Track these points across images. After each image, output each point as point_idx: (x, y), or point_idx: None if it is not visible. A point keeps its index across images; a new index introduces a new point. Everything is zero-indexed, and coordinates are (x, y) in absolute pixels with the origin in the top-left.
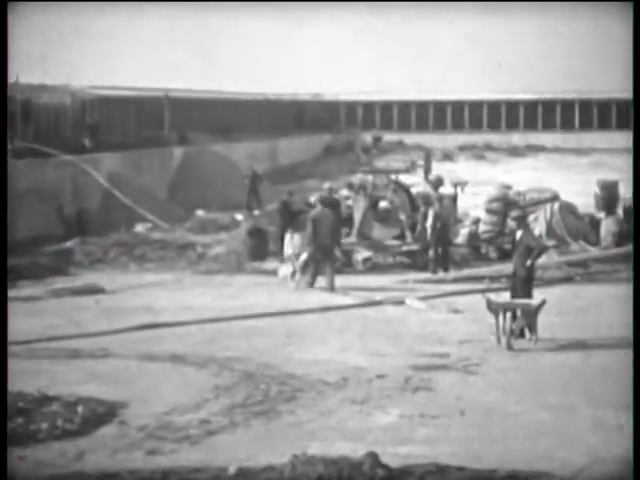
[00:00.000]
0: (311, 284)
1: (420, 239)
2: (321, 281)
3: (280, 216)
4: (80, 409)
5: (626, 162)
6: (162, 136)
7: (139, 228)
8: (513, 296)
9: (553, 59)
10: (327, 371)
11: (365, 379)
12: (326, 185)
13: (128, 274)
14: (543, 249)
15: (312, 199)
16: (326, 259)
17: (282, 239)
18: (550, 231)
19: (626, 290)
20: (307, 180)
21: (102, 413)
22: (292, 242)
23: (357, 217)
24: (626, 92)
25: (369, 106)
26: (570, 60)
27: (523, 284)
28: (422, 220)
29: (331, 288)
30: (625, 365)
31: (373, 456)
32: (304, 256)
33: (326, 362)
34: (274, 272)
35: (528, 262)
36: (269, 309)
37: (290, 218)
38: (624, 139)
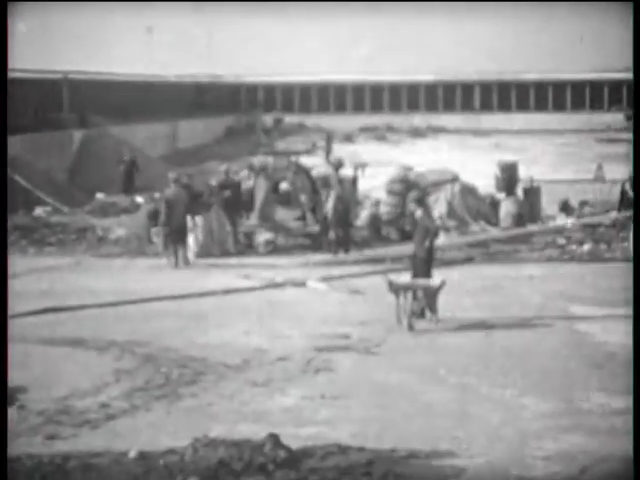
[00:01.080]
0: (175, 264)
1: (321, 221)
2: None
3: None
4: None
5: (525, 143)
6: (61, 119)
7: (38, 212)
8: (414, 277)
9: (456, 41)
10: (228, 354)
11: (267, 361)
12: (223, 167)
13: (28, 258)
14: (438, 230)
15: (213, 181)
16: (179, 239)
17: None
18: (451, 212)
19: (526, 269)
20: (208, 162)
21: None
22: (193, 224)
23: (258, 199)
24: (529, 73)
25: (270, 88)
26: (466, 42)
27: (423, 265)
28: (323, 202)
29: (181, 264)
30: (524, 344)
31: (274, 438)
32: (161, 237)
33: (227, 345)
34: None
35: (426, 243)
36: (170, 292)
37: (190, 201)
38: (524, 121)
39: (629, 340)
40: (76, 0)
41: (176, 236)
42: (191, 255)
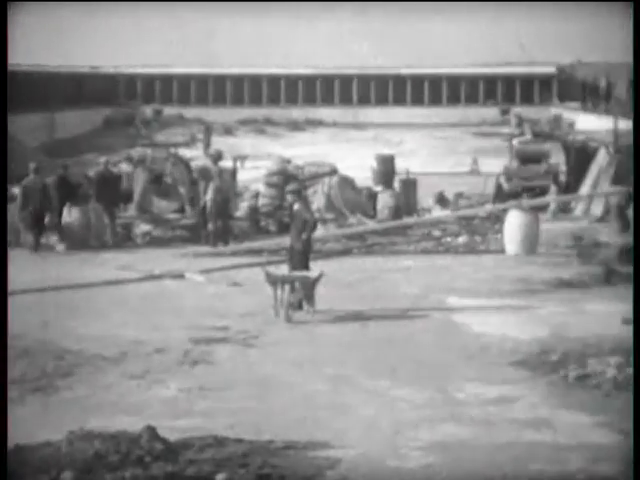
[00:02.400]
0: (33, 249)
1: (200, 213)
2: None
3: (57, 190)
4: None
5: (402, 137)
6: None
7: None
8: (291, 269)
9: (336, 35)
10: (105, 345)
11: (144, 353)
12: (102, 159)
13: None
14: (316, 222)
15: (91, 173)
16: (37, 226)
17: (60, 213)
18: (329, 204)
19: (402, 261)
20: (86, 154)
21: None
22: (70, 215)
23: (137, 191)
24: (406, 68)
25: (148, 79)
26: (347, 37)
27: (300, 257)
28: (202, 193)
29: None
30: (400, 335)
31: (151, 430)
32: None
33: (104, 337)
34: (51, 246)
35: (304, 235)
36: (46, 283)
37: (67, 192)
38: (401, 114)
39: (504, 331)
40: None
41: (34, 223)
42: (61, 247)
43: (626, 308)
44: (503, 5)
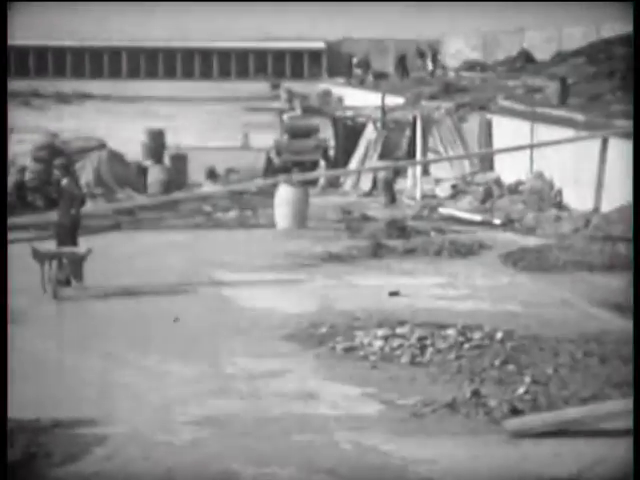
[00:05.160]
0: None
1: None
2: None
3: None
4: None
5: (173, 111)
6: None
7: None
8: (59, 245)
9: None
10: None
11: None
12: None
13: None
14: (84, 197)
15: None
16: None
17: None
18: (97, 179)
19: (172, 236)
20: None
21: None
22: None
23: None
24: (176, 41)
25: None
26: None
27: (69, 232)
28: None
29: None
30: (171, 310)
31: None
32: None
33: None
34: None
35: (72, 211)
36: None
37: None
38: (171, 88)
39: (273, 305)
40: None
41: None
42: None
43: (393, 282)
44: None
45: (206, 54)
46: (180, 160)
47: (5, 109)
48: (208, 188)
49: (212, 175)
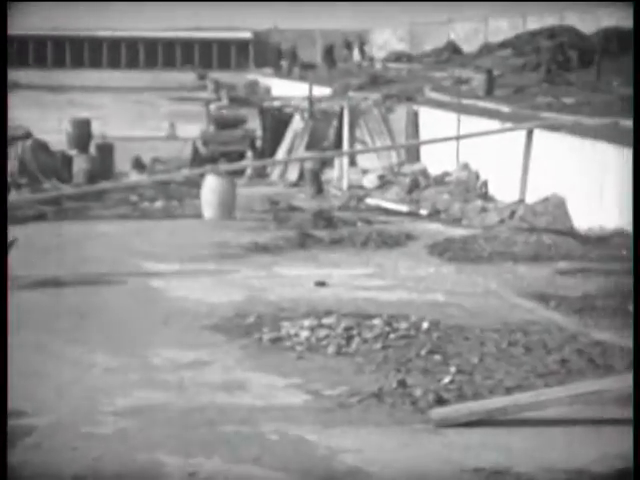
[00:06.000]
0: None
1: None
2: None
3: None
4: None
5: (99, 100)
6: None
7: None
8: None
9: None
10: None
11: None
12: None
13: None
14: (9, 187)
15: None
16: None
17: None
18: (22, 169)
19: (98, 227)
20: None
21: None
22: None
23: None
24: (103, 30)
25: None
26: None
27: None
28: None
29: None
30: (97, 301)
31: None
32: None
33: None
34: None
35: None
36: None
37: None
38: (97, 77)
39: (200, 295)
40: None
41: None
42: None
43: (320, 272)
44: None
45: (132, 44)
46: (106, 150)
47: (5, 108)
48: (134, 178)
49: (138, 165)
